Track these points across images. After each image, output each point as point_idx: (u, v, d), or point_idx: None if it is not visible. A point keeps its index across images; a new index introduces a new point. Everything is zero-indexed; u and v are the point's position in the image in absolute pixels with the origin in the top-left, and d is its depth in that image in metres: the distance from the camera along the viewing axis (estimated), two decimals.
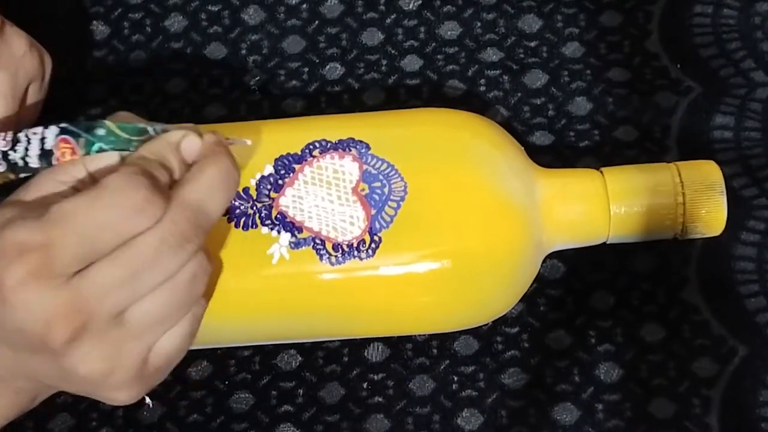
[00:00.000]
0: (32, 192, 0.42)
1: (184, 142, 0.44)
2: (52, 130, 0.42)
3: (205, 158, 0.43)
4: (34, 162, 0.42)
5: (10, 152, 0.42)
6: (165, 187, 0.42)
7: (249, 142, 0.48)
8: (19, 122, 0.54)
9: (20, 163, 0.42)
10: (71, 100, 0.61)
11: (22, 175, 0.43)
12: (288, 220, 0.49)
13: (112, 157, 0.43)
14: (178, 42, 0.63)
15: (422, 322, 0.52)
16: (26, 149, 0.42)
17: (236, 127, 0.54)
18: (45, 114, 0.57)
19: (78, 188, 0.42)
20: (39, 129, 0.42)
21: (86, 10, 0.64)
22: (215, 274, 0.46)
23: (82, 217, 0.40)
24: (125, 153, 0.43)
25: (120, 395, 0.43)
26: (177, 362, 0.45)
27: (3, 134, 0.43)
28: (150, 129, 0.44)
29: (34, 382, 0.44)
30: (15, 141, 0.42)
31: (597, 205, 0.52)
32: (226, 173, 0.43)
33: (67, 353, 0.41)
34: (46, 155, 0.42)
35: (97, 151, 0.43)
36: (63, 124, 0.42)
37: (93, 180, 0.42)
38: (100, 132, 0.42)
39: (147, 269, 0.41)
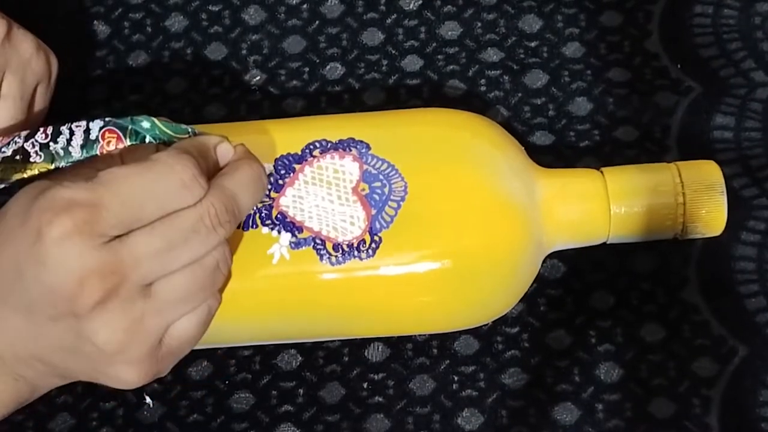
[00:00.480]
0: (74, 169, 0.45)
1: (221, 145, 0.46)
2: (96, 122, 0.44)
3: (239, 160, 0.46)
4: (76, 151, 0.43)
5: (51, 143, 0.43)
6: (206, 175, 0.44)
7: (270, 167, 0.49)
8: (28, 124, 0.54)
9: (61, 152, 0.43)
10: (72, 99, 0.61)
11: (61, 164, 0.44)
12: (288, 220, 0.49)
13: (151, 149, 0.45)
14: (178, 42, 0.63)
15: (422, 322, 0.52)
16: (68, 140, 0.43)
17: (236, 127, 0.54)
18: (47, 114, 0.57)
19: None
20: (83, 122, 0.44)
21: (87, 10, 0.64)
22: (228, 279, 0.47)
23: (131, 185, 0.42)
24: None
25: (128, 373, 0.44)
26: (186, 352, 0.46)
27: (42, 128, 0.44)
28: (190, 130, 0.46)
29: (37, 366, 0.44)
30: (57, 133, 0.44)
31: (597, 205, 0.52)
32: (258, 174, 0.46)
33: (92, 316, 0.42)
34: (90, 145, 0.44)
35: (142, 142, 0.44)
36: (108, 118, 0.44)
37: None
38: (146, 125, 0.44)
39: (181, 245, 0.43)
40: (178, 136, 0.46)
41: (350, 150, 0.51)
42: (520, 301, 0.53)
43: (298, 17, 0.63)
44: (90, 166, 0.45)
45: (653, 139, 0.59)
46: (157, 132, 0.45)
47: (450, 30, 0.63)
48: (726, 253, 0.56)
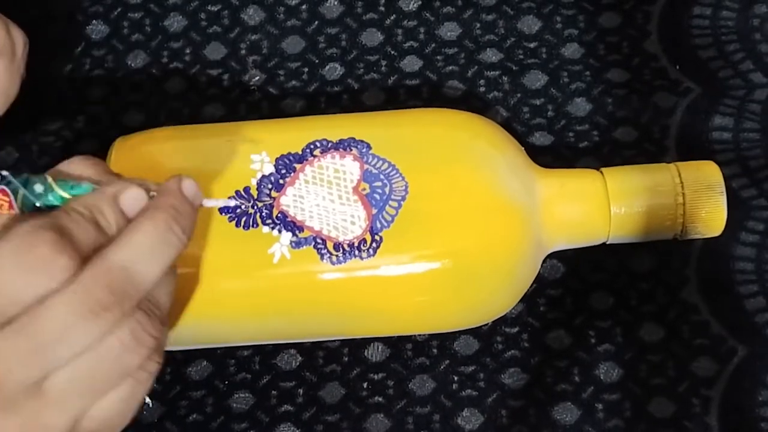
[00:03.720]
0: None
1: (125, 194, 0.39)
2: None
3: (144, 213, 0.39)
4: None
5: None
6: (86, 245, 0.37)
7: (232, 203, 0.45)
8: None
9: None
10: (71, 99, 0.61)
11: None
12: (289, 219, 0.49)
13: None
14: (177, 42, 0.63)
15: (422, 322, 0.52)
16: None
17: (238, 126, 0.54)
18: (45, 114, 0.58)
19: None
20: None
21: (86, 9, 0.64)
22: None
23: None
24: None
25: None
26: (124, 424, 0.40)
27: None
28: (92, 187, 0.40)
29: None
30: None
31: (597, 206, 0.52)
32: (162, 233, 0.38)
33: None
34: None
35: (32, 210, 0.39)
36: (4, 173, 0.39)
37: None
38: (39, 188, 0.39)
39: (56, 340, 0.36)
40: (76, 197, 0.39)
41: (351, 150, 0.51)
42: (519, 301, 0.54)
43: (297, 17, 0.63)
44: None
45: (652, 140, 0.59)
46: (50, 198, 0.39)
47: (449, 31, 0.63)
48: (725, 254, 0.56)
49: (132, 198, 0.39)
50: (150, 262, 0.38)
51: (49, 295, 0.36)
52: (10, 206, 0.39)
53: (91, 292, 0.36)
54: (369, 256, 0.49)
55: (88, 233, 0.38)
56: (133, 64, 0.62)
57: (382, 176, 0.50)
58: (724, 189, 0.52)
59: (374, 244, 0.49)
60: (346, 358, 0.55)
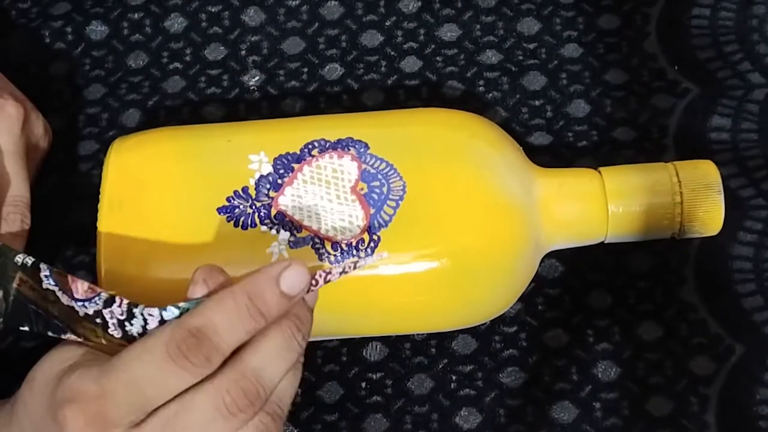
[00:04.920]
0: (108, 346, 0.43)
1: (285, 274, 0.42)
2: (170, 313, 0.42)
3: (270, 325, 0.42)
4: None
5: (126, 323, 0.43)
6: (227, 345, 0.41)
7: (336, 276, 0.45)
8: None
9: (137, 337, 0.43)
10: (70, 100, 0.61)
11: None
12: (287, 219, 0.49)
13: None
14: (177, 42, 0.63)
15: (420, 321, 0.52)
16: (143, 326, 0.42)
17: (237, 126, 0.54)
18: (45, 114, 0.58)
19: None
20: (155, 310, 0.42)
21: (86, 10, 0.64)
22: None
23: (131, 370, 0.40)
24: None
25: None
26: None
27: (118, 299, 0.43)
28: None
29: None
30: (131, 314, 0.43)
31: (595, 205, 0.52)
32: (289, 339, 0.42)
33: None
34: None
35: None
36: (183, 305, 0.42)
37: None
38: (171, 314, 0.42)
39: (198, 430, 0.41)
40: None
41: (349, 149, 0.51)
42: (518, 300, 0.54)
43: (297, 19, 0.63)
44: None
45: (651, 140, 0.59)
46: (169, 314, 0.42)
47: (449, 32, 0.63)
48: (723, 253, 0.56)
49: (293, 276, 0.42)
50: (277, 367, 0.42)
51: (192, 391, 0.40)
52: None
53: (230, 393, 0.40)
54: (367, 255, 0.49)
55: (234, 334, 0.41)
56: (133, 65, 0.63)
57: (380, 176, 0.50)
58: (721, 188, 0.52)
59: (372, 244, 0.49)
60: (345, 358, 0.55)
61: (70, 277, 0.44)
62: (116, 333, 0.43)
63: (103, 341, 0.43)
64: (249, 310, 0.41)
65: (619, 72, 0.61)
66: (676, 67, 0.61)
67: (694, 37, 0.62)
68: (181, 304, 0.42)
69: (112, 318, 0.43)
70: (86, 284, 0.44)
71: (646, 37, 0.62)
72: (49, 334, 0.44)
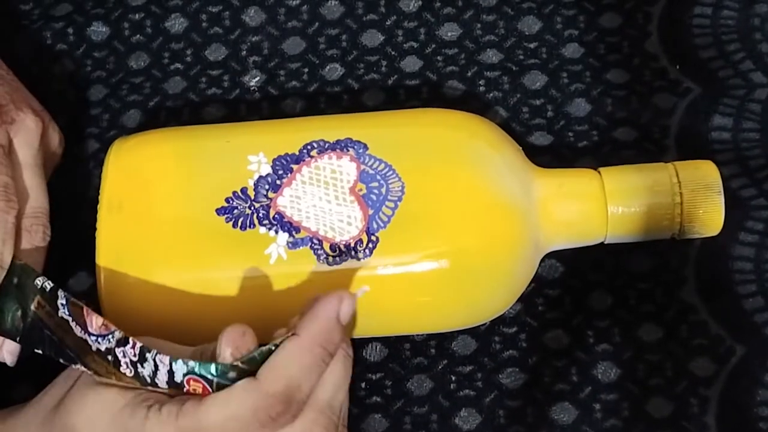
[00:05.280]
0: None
1: (343, 312, 0.44)
2: (179, 366, 0.42)
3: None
4: (162, 384, 0.43)
5: (138, 365, 0.43)
6: (305, 393, 0.43)
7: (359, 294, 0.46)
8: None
9: (148, 380, 0.43)
10: (71, 100, 0.61)
11: (148, 388, 0.43)
12: (286, 220, 0.50)
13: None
14: (178, 43, 0.63)
15: (420, 322, 0.52)
16: (154, 371, 0.43)
17: (236, 127, 0.54)
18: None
19: None
20: (166, 359, 0.43)
21: (87, 11, 0.64)
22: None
23: (213, 418, 0.41)
24: None
25: None
26: None
27: (131, 340, 0.43)
28: (269, 348, 0.43)
29: None
30: (143, 357, 0.43)
31: (594, 205, 0.52)
32: (346, 368, 0.45)
33: None
34: (175, 386, 0.43)
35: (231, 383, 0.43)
36: (191, 364, 0.42)
37: None
38: (232, 375, 0.42)
39: None
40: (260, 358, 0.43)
41: (348, 150, 0.51)
42: (517, 300, 0.54)
43: (297, 18, 0.63)
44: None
45: (652, 140, 0.59)
46: (237, 373, 0.42)
47: (449, 31, 0.63)
48: (724, 254, 0.56)
49: (349, 309, 0.44)
50: (343, 391, 0.44)
51: None
52: (205, 389, 0.42)
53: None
54: (365, 256, 0.49)
55: (313, 382, 0.43)
56: (134, 66, 0.63)
57: (378, 177, 0.50)
58: (721, 188, 0.51)
59: (371, 245, 0.49)
60: None
61: (85, 309, 0.44)
62: (128, 372, 0.43)
63: (114, 378, 0.44)
64: (323, 358, 0.43)
65: (620, 71, 0.61)
66: (677, 67, 0.61)
67: (696, 37, 0.62)
68: (191, 365, 0.42)
69: (124, 357, 0.43)
70: (101, 319, 0.44)
71: (648, 37, 0.62)
72: (61, 361, 0.44)
